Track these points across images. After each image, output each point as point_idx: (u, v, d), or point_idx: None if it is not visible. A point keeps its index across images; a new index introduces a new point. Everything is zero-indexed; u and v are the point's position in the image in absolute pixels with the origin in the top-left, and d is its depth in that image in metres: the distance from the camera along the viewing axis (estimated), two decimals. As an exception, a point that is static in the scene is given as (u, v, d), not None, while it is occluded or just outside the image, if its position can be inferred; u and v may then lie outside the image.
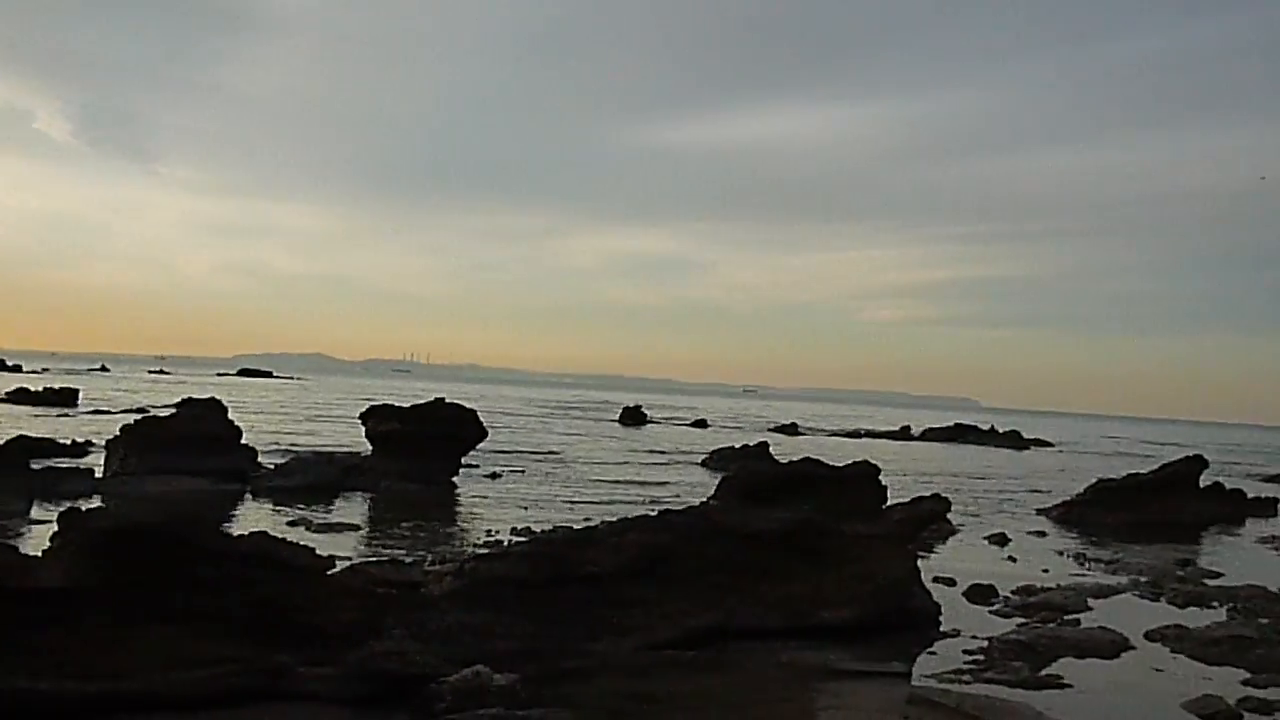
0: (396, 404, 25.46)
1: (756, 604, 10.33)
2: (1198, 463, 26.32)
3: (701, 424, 67.20)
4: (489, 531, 17.13)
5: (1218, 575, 16.32)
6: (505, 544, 14.02)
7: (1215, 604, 13.72)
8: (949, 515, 19.04)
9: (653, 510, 12.38)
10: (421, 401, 25.28)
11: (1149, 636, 11.44)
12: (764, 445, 32.75)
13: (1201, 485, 26.39)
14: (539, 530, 15.88)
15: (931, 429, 69.61)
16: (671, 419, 71.67)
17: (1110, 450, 68.97)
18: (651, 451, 40.50)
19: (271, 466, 23.17)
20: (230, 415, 23.30)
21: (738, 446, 34.99)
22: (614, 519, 11.82)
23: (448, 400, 25.24)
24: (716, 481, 17.80)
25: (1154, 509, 23.87)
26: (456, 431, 24.39)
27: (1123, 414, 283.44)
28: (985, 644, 10.59)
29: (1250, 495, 28.91)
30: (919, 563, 12.52)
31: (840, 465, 15.17)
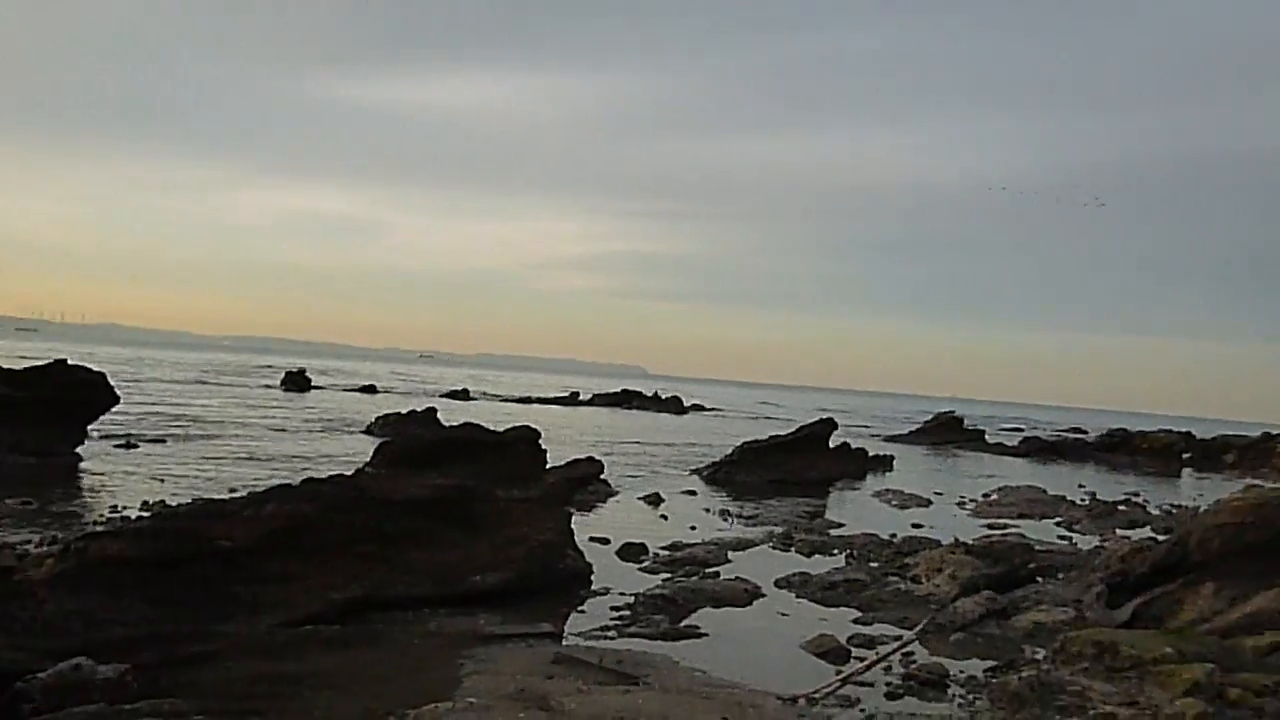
0: (5, 366, 22.27)
1: (406, 572, 10.04)
2: (828, 425, 29.11)
3: (370, 390, 65.12)
4: (114, 508, 15.42)
5: (839, 525, 18.11)
6: (131, 520, 12.64)
7: (835, 551, 15.20)
8: (609, 478, 19.73)
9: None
10: (40, 363, 22.32)
11: (778, 584, 12.44)
12: (432, 411, 32.12)
13: (832, 445, 29.27)
14: (176, 505, 14.50)
15: (599, 395, 72.17)
16: (339, 385, 68.86)
17: (762, 415, 74.85)
18: (313, 419, 38.60)
19: None
20: None
21: (404, 412, 34.10)
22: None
23: (70, 362, 22.46)
24: (376, 448, 17.15)
25: (791, 467, 26.18)
26: (80, 396, 21.79)
27: (782, 383, 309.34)
28: (632, 600, 10.98)
29: (872, 454, 32.53)
30: (575, 524, 12.78)
31: (501, 430, 15.12)
